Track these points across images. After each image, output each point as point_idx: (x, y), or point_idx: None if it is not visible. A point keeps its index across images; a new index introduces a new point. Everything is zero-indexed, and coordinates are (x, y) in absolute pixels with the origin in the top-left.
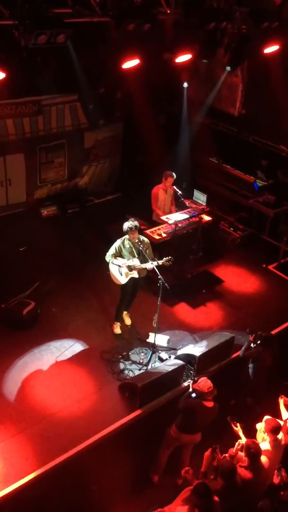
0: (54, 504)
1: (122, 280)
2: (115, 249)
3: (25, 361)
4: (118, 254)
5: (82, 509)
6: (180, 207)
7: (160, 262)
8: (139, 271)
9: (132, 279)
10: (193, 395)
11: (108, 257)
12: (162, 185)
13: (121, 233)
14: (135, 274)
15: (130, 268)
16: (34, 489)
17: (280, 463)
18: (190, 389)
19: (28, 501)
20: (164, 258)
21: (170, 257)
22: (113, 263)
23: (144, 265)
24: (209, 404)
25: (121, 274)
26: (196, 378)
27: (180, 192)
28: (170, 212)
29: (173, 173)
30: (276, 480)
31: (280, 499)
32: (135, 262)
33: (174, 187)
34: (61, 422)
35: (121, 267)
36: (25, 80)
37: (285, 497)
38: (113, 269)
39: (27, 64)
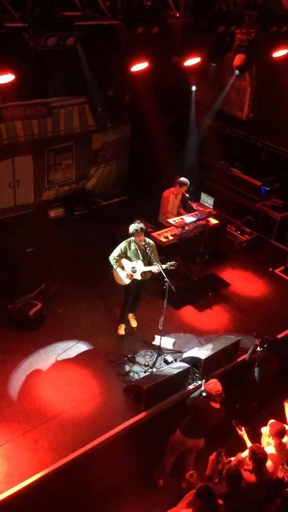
0: (58, 505)
1: (126, 280)
2: (120, 250)
3: (30, 362)
4: (123, 255)
5: (86, 511)
6: (187, 210)
7: (164, 266)
8: (143, 273)
9: (136, 281)
10: (204, 394)
11: (112, 260)
12: (173, 189)
13: (127, 235)
14: (138, 276)
15: (134, 270)
16: (39, 490)
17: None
18: (202, 388)
19: (32, 502)
20: (168, 263)
21: (174, 262)
22: (116, 267)
23: (148, 268)
24: (216, 405)
25: (124, 276)
26: (208, 378)
27: (187, 195)
28: (179, 215)
29: (188, 181)
30: (280, 474)
31: (285, 496)
32: (139, 264)
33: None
34: (66, 423)
35: (125, 268)
36: (34, 82)
37: None
38: (116, 270)
39: (37, 67)
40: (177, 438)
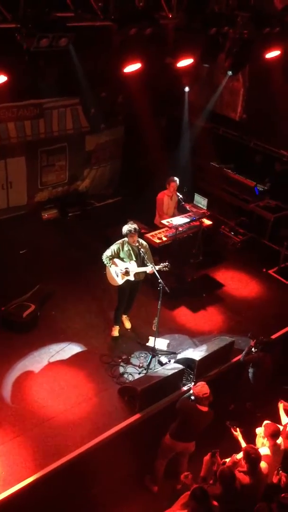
0: (53, 507)
1: (118, 281)
2: (113, 251)
3: (24, 364)
4: (116, 256)
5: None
6: (181, 211)
7: (157, 267)
8: (136, 274)
9: (129, 282)
10: (192, 397)
11: (105, 258)
12: (167, 191)
13: (121, 237)
14: (131, 277)
15: (127, 271)
16: (33, 493)
17: (280, 466)
18: (191, 391)
19: (26, 505)
20: (161, 264)
21: (167, 263)
22: (109, 266)
23: (142, 269)
24: (204, 408)
25: (117, 276)
26: (196, 381)
27: (180, 196)
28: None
29: (176, 178)
30: (275, 479)
31: (281, 502)
32: (133, 265)
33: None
34: (60, 425)
35: (117, 268)
36: (27, 83)
37: (285, 500)
38: (109, 270)
39: (29, 68)
40: (167, 442)
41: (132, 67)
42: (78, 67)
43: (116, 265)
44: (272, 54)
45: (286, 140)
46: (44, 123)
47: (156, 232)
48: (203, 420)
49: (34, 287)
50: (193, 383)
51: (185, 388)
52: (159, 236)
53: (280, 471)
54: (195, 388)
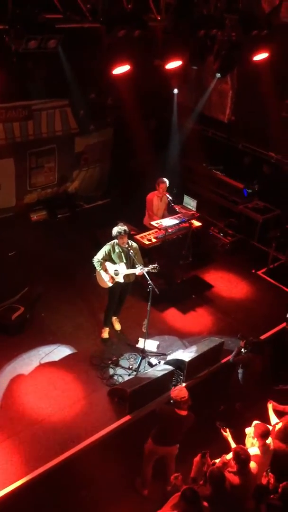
0: (43, 510)
1: (108, 283)
2: (104, 253)
3: (13, 366)
4: (107, 258)
5: None
6: (170, 212)
7: (146, 269)
8: (126, 276)
9: (119, 284)
10: (171, 401)
11: (96, 262)
12: (156, 192)
13: (110, 238)
14: (120, 279)
15: (116, 273)
16: (21, 496)
17: (269, 468)
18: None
19: (15, 507)
20: (150, 266)
21: (156, 265)
22: (99, 269)
23: (131, 271)
24: (182, 412)
25: (107, 278)
26: (176, 386)
27: (170, 197)
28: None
29: (165, 179)
30: (264, 480)
31: (270, 503)
32: (122, 267)
33: (166, 193)
34: (50, 427)
35: (107, 272)
36: (15, 85)
37: (274, 501)
38: (99, 273)
39: (18, 69)
40: (149, 446)
41: (121, 69)
42: (67, 69)
43: (106, 269)
44: (260, 56)
45: (274, 142)
46: (33, 125)
47: (146, 233)
48: (182, 424)
49: (23, 289)
50: (183, 384)
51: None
52: (148, 238)
53: (269, 473)
54: (173, 392)
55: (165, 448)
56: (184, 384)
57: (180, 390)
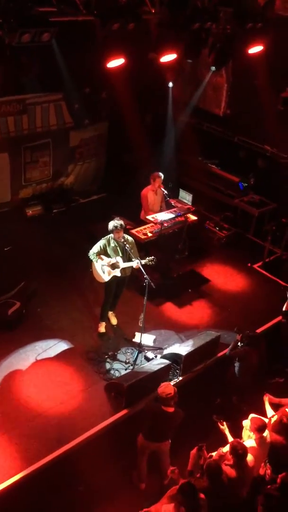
0: (40, 504)
1: (105, 277)
2: (100, 247)
3: (10, 361)
4: (103, 252)
5: (67, 510)
6: (166, 206)
7: (143, 261)
8: (123, 270)
9: (116, 278)
10: (158, 398)
11: (92, 255)
12: (151, 186)
13: (106, 233)
14: (117, 273)
15: (113, 267)
16: (19, 491)
17: (267, 458)
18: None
19: (13, 502)
20: (147, 258)
21: (152, 257)
22: (96, 262)
23: (128, 264)
24: (169, 409)
25: (104, 272)
26: (171, 380)
27: (166, 191)
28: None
29: (160, 173)
30: (261, 471)
31: (267, 493)
32: (119, 260)
33: (162, 187)
34: (47, 422)
35: (104, 265)
36: (9, 79)
37: (271, 491)
38: (95, 267)
39: (11, 63)
40: (140, 441)
41: (115, 63)
42: (61, 63)
43: (103, 262)
44: (255, 49)
45: (269, 135)
46: (27, 119)
47: (142, 228)
48: (169, 421)
49: (19, 284)
50: (180, 378)
51: (172, 383)
52: (144, 232)
53: (267, 464)
54: (159, 389)
55: (155, 444)
56: (180, 378)
57: (165, 387)
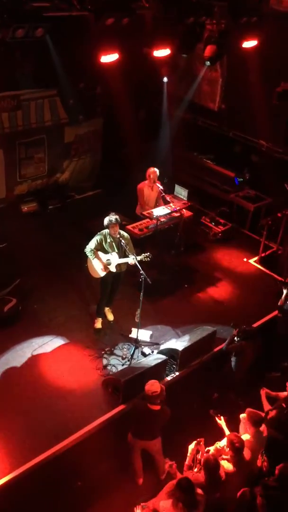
0: (37, 501)
1: (100, 273)
2: (96, 242)
3: (7, 358)
4: (99, 247)
5: (66, 505)
6: (161, 202)
7: (138, 258)
8: (118, 266)
9: (111, 274)
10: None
11: (88, 250)
12: (147, 181)
13: (102, 229)
14: (113, 269)
15: (109, 262)
16: (17, 487)
17: (263, 449)
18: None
19: (11, 497)
20: (143, 254)
21: (148, 253)
22: (92, 258)
23: (124, 260)
24: (155, 407)
25: (99, 268)
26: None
27: (161, 187)
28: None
29: (155, 168)
30: (259, 463)
31: (265, 484)
32: (114, 256)
33: (158, 182)
34: (44, 418)
35: (100, 261)
36: (3, 75)
37: (270, 482)
38: (91, 262)
39: (5, 59)
40: (129, 439)
41: (110, 58)
42: (55, 58)
43: (99, 258)
44: (250, 44)
45: (264, 130)
46: (21, 115)
47: (137, 223)
48: (155, 419)
49: (15, 281)
50: (177, 373)
51: (168, 378)
52: (140, 228)
53: (264, 455)
54: (146, 386)
55: (143, 441)
56: (177, 373)
57: (151, 385)
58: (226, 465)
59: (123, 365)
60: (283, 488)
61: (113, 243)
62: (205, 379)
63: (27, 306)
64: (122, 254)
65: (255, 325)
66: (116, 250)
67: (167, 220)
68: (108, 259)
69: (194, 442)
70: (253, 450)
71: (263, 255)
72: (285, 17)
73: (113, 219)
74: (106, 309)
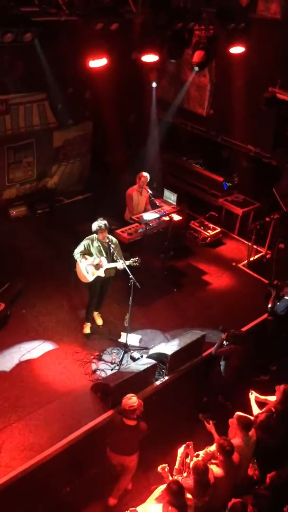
0: (26, 506)
1: (89, 277)
2: (84, 246)
3: None
4: (87, 252)
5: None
6: (150, 206)
7: (127, 262)
8: (107, 270)
9: (100, 278)
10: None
11: (77, 254)
12: (136, 186)
13: (91, 233)
14: (101, 273)
15: (97, 267)
16: (6, 492)
17: (254, 459)
18: None
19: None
20: (131, 259)
21: (137, 258)
22: (80, 261)
23: (112, 265)
24: (130, 422)
25: (88, 272)
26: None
27: (150, 192)
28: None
29: (145, 174)
30: (250, 471)
31: (255, 493)
32: (103, 261)
33: (147, 187)
34: (33, 424)
35: (88, 265)
36: None
37: (261, 491)
38: (79, 267)
39: None
40: (107, 452)
41: (99, 63)
42: (44, 62)
43: (88, 262)
44: (238, 49)
45: (252, 135)
46: (10, 119)
47: (126, 228)
48: (131, 434)
49: (3, 285)
50: (166, 377)
51: (157, 383)
52: (129, 232)
53: (255, 465)
54: (123, 400)
55: (119, 456)
56: (166, 378)
57: (128, 399)
58: (215, 469)
59: (112, 370)
60: (274, 497)
61: (101, 248)
62: (195, 383)
63: (16, 311)
64: (111, 259)
65: (244, 329)
66: (105, 255)
67: (156, 225)
68: (97, 264)
69: (184, 445)
70: (242, 454)
71: (251, 259)
72: (272, 23)
73: (102, 225)
74: (95, 313)
